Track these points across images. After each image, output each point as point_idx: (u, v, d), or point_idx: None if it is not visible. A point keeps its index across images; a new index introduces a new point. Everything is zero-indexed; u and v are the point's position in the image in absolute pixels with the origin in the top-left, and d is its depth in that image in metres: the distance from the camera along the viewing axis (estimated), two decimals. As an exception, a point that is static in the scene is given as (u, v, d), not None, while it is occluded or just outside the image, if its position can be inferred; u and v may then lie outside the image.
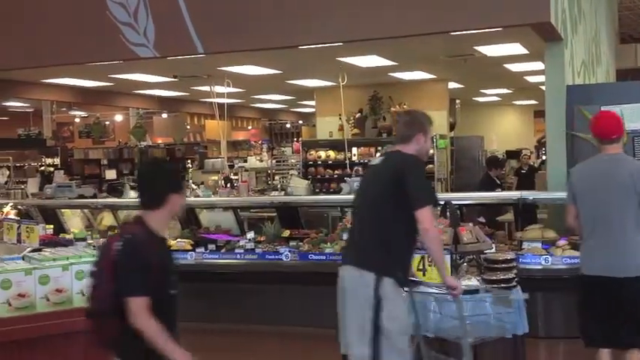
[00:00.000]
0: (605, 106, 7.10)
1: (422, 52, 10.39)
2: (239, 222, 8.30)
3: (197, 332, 7.00)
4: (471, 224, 5.37)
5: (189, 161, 18.44)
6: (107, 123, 22.46)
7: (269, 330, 6.90)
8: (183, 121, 20.69)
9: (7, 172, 16.67)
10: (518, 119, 22.28)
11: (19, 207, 8.61)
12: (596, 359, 4.39)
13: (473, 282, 4.61)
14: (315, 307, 6.74)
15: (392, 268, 3.82)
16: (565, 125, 7.23)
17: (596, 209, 4.36)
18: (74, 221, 8.82)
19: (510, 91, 17.76)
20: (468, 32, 7.55)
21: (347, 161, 13.15)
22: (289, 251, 7.00)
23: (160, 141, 22.11)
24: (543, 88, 7.89)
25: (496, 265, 4.72)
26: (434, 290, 4.27)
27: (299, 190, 8.83)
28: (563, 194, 6.71)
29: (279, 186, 13.11)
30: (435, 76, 13.34)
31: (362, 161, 13.23)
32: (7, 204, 8.67)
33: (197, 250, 7.36)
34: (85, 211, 8.99)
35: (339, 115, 13.44)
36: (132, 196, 10.61)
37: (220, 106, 12.47)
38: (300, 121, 23.93)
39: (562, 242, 6.42)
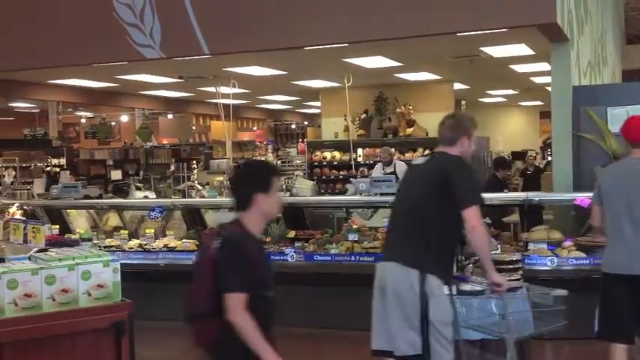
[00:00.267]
0: (611, 107, 7.09)
1: (428, 53, 10.38)
2: (244, 223, 8.30)
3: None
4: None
5: (194, 162, 18.47)
6: (113, 124, 22.53)
7: (274, 331, 6.89)
8: (188, 121, 20.73)
9: (14, 173, 16.73)
10: (523, 120, 22.25)
11: (25, 207, 8.62)
12: (609, 355, 4.49)
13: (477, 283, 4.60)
14: (321, 308, 6.74)
15: (436, 266, 3.91)
16: (571, 126, 7.22)
17: (622, 210, 4.47)
18: (80, 222, 8.84)
19: (516, 92, 17.74)
20: (474, 33, 7.54)
21: (352, 162, 13.17)
22: (295, 252, 7.00)
23: (165, 142, 22.16)
24: (549, 89, 7.87)
25: (502, 266, 4.71)
26: (477, 287, 4.32)
27: (304, 190, 8.84)
28: (569, 195, 6.77)
29: (284, 187, 13.12)
30: (440, 77, 13.33)
31: (367, 162, 13.25)
32: (13, 204, 8.69)
33: (202, 250, 7.36)
34: (91, 211, 9.01)
35: (345, 115, 13.44)
36: (137, 197, 10.67)
37: (226, 106, 12.50)
38: (306, 122, 23.94)
39: (568, 243, 6.40)
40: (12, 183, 15.90)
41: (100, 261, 3.28)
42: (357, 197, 7.46)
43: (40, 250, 4.02)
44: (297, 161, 15.75)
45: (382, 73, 11.97)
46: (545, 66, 10.68)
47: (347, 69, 11.07)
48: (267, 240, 7.43)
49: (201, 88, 14.28)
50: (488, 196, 8.18)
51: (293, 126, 24.65)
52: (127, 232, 8.11)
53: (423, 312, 3.82)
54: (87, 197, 8.44)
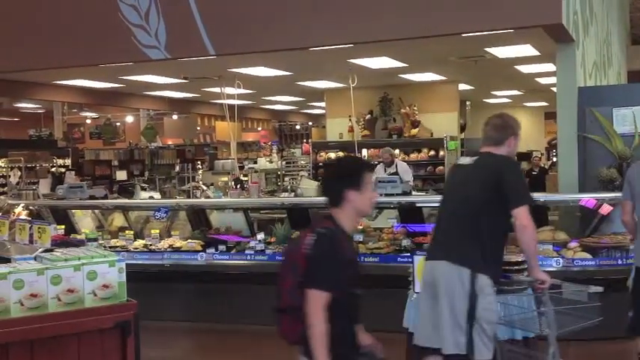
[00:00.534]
0: (617, 107, 7.08)
1: (433, 54, 10.37)
2: (249, 223, 8.31)
3: (207, 332, 7.03)
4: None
5: (199, 162, 18.50)
6: (118, 124, 22.57)
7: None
8: (193, 122, 20.74)
9: (19, 173, 16.77)
10: (528, 121, 22.17)
11: (31, 207, 8.65)
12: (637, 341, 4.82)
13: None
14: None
15: (487, 265, 3.98)
16: (576, 127, 7.20)
17: None
18: (85, 222, 8.85)
19: (521, 93, 17.72)
20: (479, 34, 7.53)
21: (357, 163, 13.12)
22: (299, 252, 7.00)
23: (170, 142, 22.19)
24: (554, 89, 7.86)
25: (507, 267, 4.72)
26: (522, 286, 4.38)
27: (309, 191, 8.84)
28: (574, 196, 6.75)
29: (289, 187, 13.13)
30: (445, 78, 13.32)
31: (372, 163, 13.23)
32: (19, 205, 8.71)
33: (207, 251, 7.37)
34: (96, 211, 9.02)
35: (349, 116, 13.45)
36: (142, 197, 10.68)
37: (230, 107, 12.50)
38: (310, 123, 23.95)
39: (573, 244, 6.39)
40: (17, 183, 15.94)
41: (105, 261, 3.28)
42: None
43: (46, 250, 4.03)
44: (302, 162, 15.73)
45: (387, 73, 11.97)
46: (550, 67, 10.67)
47: (352, 70, 11.07)
48: (271, 240, 7.44)
49: (206, 89, 14.30)
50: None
51: (297, 126, 24.65)
52: (132, 232, 8.13)
53: (471, 310, 3.90)
54: (92, 197, 8.45)
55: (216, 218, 8.51)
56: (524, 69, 12.41)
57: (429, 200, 7.43)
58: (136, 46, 7.88)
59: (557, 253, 6.32)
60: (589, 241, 6.38)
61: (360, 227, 7.37)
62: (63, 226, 7.80)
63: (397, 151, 12.54)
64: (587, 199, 6.37)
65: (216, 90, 13.40)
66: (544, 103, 19.80)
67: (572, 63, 7.28)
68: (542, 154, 17.61)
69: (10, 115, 24.33)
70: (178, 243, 7.61)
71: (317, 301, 2.91)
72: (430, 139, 13.46)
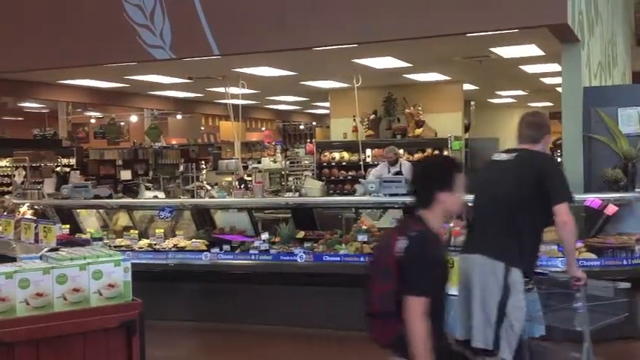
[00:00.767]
0: (622, 108, 7.07)
1: (437, 54, 10.37)
2: (253, 223, 8.31)
3: (211, 332, 7.04)
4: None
5: (203, 162, 18.50)
6: (122, 124, 22.61)
7: (283, 331, 6.91)
8: (197, 122, 20.78)
9: (24, 173, 16.81)
10: (533, 121, 22.14)
11: (36, 207, 8.66)
12: None
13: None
14: (330, 309, 6.74)
15: (522, 260, 4.03)
16: (582, 127, 7.19)
17: None
18: (90, 221, 8.86)
19: (526, 93, 17.69)
20: (484, 34, 7.53)
21: (361, 162, 13.16)
22: (304, 252, 7.00)
23: (174, 142, 22.21)
24: (559, 89, 7.84)
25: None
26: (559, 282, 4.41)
27: (313, 191, 8.84)
28: (579, 196, 6.71)
29: (293, 187, 13.13)
30: (449, 78, 13.31)
31: (376, 162, 13.23)
32: (23, 204, 8.73)
33: (212, 250, 7.38)
34: (101, 211, 9.03)
35: (354, 116, 13.45)
36: (147, 197, 10.69)
37: (235, 107, 12.53)
38: (314, 123, 23.95)
39: (578, 245, 6.37)
40: (22, 183, 15.96)
41: (111, 260, 3.28)
42: (366, 198, 7.45)
43: (52, 250, 4.03)
44: (306, 162, 15.75)
45: (391, 73, 11.96)
46: (555, 67, 10.65)
47: (356, 70, 11.07)
48: (276, 240, 7.45)
49: (211, 89, 14.32)
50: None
51: (301, 126, 24.66)
52: (136, 231, 8.14)
53: (501, 306, 3.93)
54: (97, 197, 8.46)
55: (220, 218, 8.52)
56: (529, 69, 12.40)
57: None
58: (141, 46, 7.89)
59: (562, 254, 6.30)
60: (594, 242, 6.37)
61: (365, 227, 7.36)
62: (68, 226, 7.84)
63: (401, 151, 12.53)
64: (593, 199, 6.35)
65: (221, 90, 13.43)
66: (549, 103, 19.75)
67: (577, 63, 7.26)
68: (546, 155, 17.55)
69: (14, 115, 24.39)
70: (183, 242, 7.61)
71: (416, 308, 2.89)
72: (434, 139, 13.44)
